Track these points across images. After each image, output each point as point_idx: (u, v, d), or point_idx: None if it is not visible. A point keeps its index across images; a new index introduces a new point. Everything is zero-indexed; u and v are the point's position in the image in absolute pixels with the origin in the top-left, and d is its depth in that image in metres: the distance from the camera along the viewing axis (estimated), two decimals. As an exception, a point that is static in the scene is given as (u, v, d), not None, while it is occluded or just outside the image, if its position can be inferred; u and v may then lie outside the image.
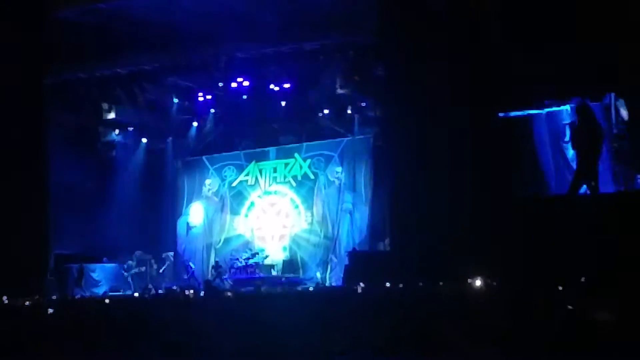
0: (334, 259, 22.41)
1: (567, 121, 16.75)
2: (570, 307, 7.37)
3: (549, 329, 6.50)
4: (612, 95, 17.42)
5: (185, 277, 22.94)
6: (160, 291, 20.17)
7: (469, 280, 12.23)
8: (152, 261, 23.90)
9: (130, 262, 23.31)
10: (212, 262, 23.67)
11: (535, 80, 16.87)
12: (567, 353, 5.84)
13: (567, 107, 17.59)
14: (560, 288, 9.34)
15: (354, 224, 22.69)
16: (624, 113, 17.41)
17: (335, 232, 22.89)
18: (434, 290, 10.87)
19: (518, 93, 17.13)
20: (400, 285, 12.30)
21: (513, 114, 17.60)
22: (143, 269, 23.52)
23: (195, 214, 24.83)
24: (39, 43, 19.96)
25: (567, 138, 16.55)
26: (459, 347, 6.62)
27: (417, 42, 17.05)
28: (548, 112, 17.84)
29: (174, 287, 21.03)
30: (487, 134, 16.34)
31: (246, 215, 24.33)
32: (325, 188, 23.44)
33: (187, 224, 24.81)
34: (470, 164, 16.33)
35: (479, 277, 12.50)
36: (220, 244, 24.29)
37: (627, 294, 7.78)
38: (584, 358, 5.73)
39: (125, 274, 23.02)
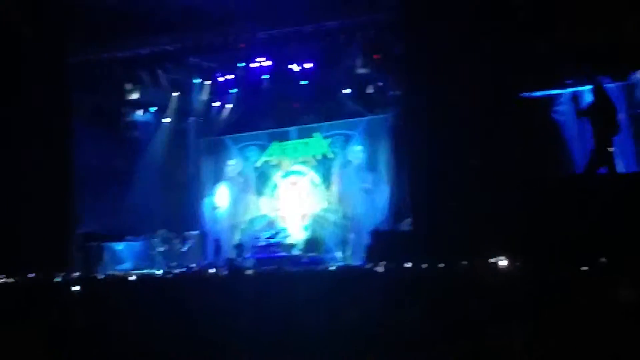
0: (354, 239, 22.44)
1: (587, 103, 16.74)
2: (592, 287, 7.40)
3: (572, 309, 6.54)
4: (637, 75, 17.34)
5: (214, 256, 22.99)
6: (183, 270, 20.33)
7: (492, 260, 12.26)
8: (176, 240, 24.05)
9: (155, 239, 23.51)
10: (237, 242, 23.76)
11: (558, 59, 16.82)
12: (590, 331, 5.89)
13: (590, 87, 17.52)
14: (584, 269, 9.37)
15: (373, 203, 22.70)
16: (643, 94, 17.34)
17: (355, 212, 22.93)
18: (456, 270, 10.90)
19: (541, 72, 17.08)
20: (423, 266, 12.34)
21: (536, 94, 17.55)
22: (167, 247, 23.68)
23: (221, 195, 24.91)
24: (61, 22, 20.09)
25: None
26: (481, 327, 6.66)
27: (439, 20, 17.02)
28: (572, 91, 17.77)
29: (193, 265, 21.22)
30: (510, 113, 16.33)
31: (270, 196, 24.41)
32: (344, 167, 23.47)
33: (213, 204, 24.90)
34: (492, 142, 16.33)
35: (501, 257, 12.52)
36: (245, 224, 24.38)
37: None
38: (608, 335, 5.78)
39: (152, 252, 23.25)
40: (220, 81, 23.96)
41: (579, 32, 16.50)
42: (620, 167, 16.67)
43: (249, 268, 18.58)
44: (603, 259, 10.58)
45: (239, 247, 23.15)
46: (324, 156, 23.86)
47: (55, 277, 14.44)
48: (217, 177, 25.18)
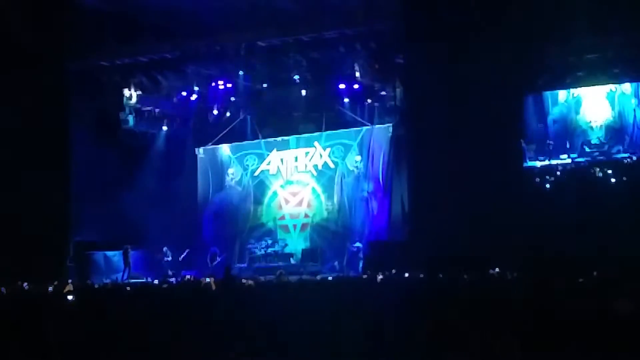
0: (351, 248, 22.34)
1: None
2: (591, 298, 7.33)
3: (570, 320, 6.45)
4: None
5: (210, 265, 22.86)
6: (179, 279, 20.20)
7: (490, 271, 12.18)
8: (172, 249, 23.89)
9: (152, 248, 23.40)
10: (236, 251, 23.60)
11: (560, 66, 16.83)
12: (588, 345, 5.80)
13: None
14: (581, 280, 9.31)
15: (371, 213, 22.61)
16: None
17: (353, 221, 22.85)
18: (454, 280, 10.82)
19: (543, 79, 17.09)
20: (421, 276, 12.27)
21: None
22: (163, 256, 23.54)
23: (221, 203, 24.78)
24: (61, 30, 20.08)
25: None
26: (478, 337, 6.57)
27: (438, 30, 17.00)
28: None
29: (189, 276, 21.05)
30: (511, 122, 16.30)
31: (269, 205, 24.28)
32: (345, 177, 23.38)
33: (213, 213, 24.75)
34: (490, 153, 16.28)
35: (499, 267, 12.44)
36: (244, 233, 24.23)
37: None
38: (606, 350, 5.69)
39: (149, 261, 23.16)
40: (220, 89, 23.84)
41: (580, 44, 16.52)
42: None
43: (246, 277, 18.45)
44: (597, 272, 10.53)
45: (237, 256, 23.02)
46: (325, 166, 23.77)
47: (49, 287, 14.31)
48: (216, 186, 25.06)
